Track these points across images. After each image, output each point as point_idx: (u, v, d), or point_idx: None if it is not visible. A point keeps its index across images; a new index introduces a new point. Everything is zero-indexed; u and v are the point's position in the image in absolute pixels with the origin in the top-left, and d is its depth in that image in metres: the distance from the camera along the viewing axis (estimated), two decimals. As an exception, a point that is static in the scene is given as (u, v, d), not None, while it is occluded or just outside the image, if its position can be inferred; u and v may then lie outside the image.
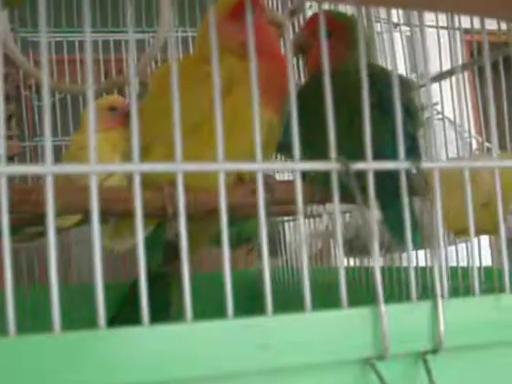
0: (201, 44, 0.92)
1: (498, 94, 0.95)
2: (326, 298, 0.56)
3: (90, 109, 0.47)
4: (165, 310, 1.04)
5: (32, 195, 0.78)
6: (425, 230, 0.80)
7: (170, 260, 1.01)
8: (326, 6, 1.06)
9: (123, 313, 1.08)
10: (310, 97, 0.80)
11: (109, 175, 1.02)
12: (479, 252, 1.03)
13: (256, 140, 0.50)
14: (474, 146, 1.39)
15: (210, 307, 1.07)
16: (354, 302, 0.51)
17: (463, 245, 1.05)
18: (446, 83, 1.07)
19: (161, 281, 1.04)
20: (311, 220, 1.42)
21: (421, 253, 1.05)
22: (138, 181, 0.46)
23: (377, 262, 0.52)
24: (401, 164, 0.54)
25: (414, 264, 1.08)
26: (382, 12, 1.48)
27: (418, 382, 0.52)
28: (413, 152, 0.85)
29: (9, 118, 1.49)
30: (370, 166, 0.52)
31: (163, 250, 1.02)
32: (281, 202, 0.84)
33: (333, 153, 0.51)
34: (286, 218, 1.50)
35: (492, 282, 0.93)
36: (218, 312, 0.48)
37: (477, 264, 1.02)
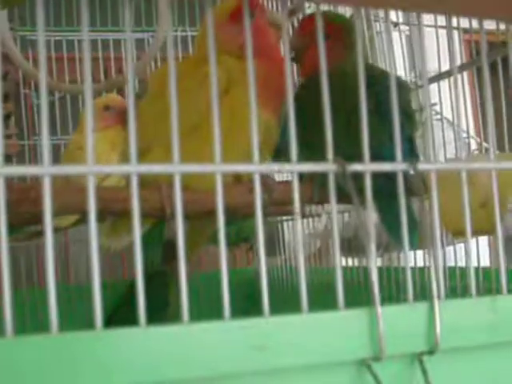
0: (200, 45, 0.93)
1: (497, 94, 0.95)
2: (324, 297, 0.56)
3: (87, 109, 0.47)
4: (163, 308, 1.04)
5: (31, 193, 0.78)
6: (422, 230, 0.80)
7: (168, 259, 1.02)
8: (324, 7, 1.06)
9: (120, 312, 1.08)
10: (307, 98, 0.80)
11: (107, 175, 1.02)
12: (477, 252, 1.03)
13: (253, 140, 0.50)
14: (474, 146, 1.39)
15: (208, 305, 1.07)
16: (352, 301, 0.51)
17: (461, 245, 1.05)
18: (444, 83, 1.07)
19: (159, 279, 1.04)
20: (310, 219, 1.42)
21: (419, 253, 1.05)
22: (136, 182, 0.47)
23: (373, 263, 0.52)
24: (398, 166, 0.54)
25: (411, 264, 1.08)
26: (381, 11, 1.48)
27: (414, 383, 0.52)
28: (410, 153, 0.85)
29: (8, 117, 1.49)
30: (367, 167, 0.52)
31: (162, 249, 1.02)
32: (279, 203, 0.84)
33: (330, 154, 0.51)
34: (284, 218, 1.50)
35: (490, 282, 0.93)
36: (217, 310, 0.48)
37: (475, 264, 1.02)
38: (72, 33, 1.73)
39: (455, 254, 1.10)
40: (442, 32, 1.02)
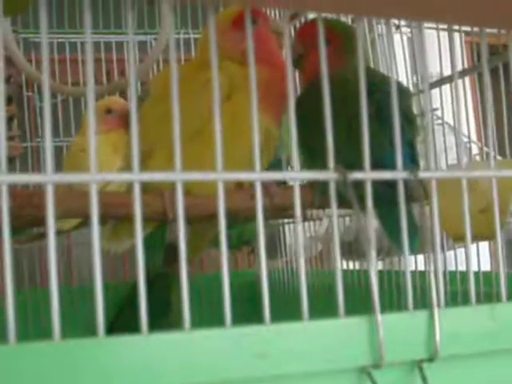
0: (202, 50, 0.93)
1: (498, 98, 0.95)
2: (325, 300, 0.56)
3: (90, 113, 0.48)
4: (165, 311, 1.05)
5: (33, 199, 0.79)
6: (423, 235, 0.81)
7: (170, 262, 1.02)
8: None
9: (123, 315, 1.08)
10: (308, 104, 0.81)
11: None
12: (478, 257, 1.03)
13: (254, 149, 0.50)
14: (476, 150, 1.39)
15: (209, 308, 1.08)
16: (353, 305, 0.51)
17: (462, 249, 1.06)
18: (446, 88, 1.07)
19: (161, 282, 1.04)
20: (311, 223, 1.42)
21: (420, 257, 1.05)
22: (138, 190, 0.47)
23: (374, 270, 0.52)
24: (398, 174, 0.54)
25: (412, 268, 1.09)
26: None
27: (414, 390, 0.52)
28: (411, 159, 0.86)
29: (11, 119, 1.49)
30: (368, 175, 0.53)
31: (164, 252, 1.03)
32: (280, 207, 0.84)
33: (331, 163, 0.52)
34: (286, 220, 1.51)
35: (490, 286, 0.93)
36: (218, 313, 0.48)
37: (475, 269, 1.02)
38: (75, 35, 1.73)
39: (456, 259, 1.11)
40: (444, 33, 1.03)
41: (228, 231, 1.20)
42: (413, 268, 1.11)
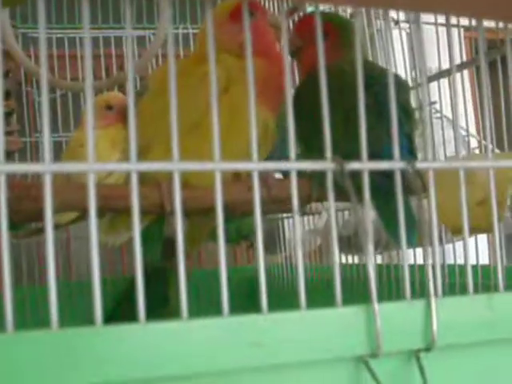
0: (201, 43, 0.93)
1: (496, 92, 0.95)
2: (324, 294, 0.56)
3: (88, 107, 0.48)
4: (163, 304, 1.05)
5: (31, 190, 0.79)
6: (421, 228, 0.81)
7: (167, 255, 1.02)
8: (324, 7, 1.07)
9: (121, 309, 1.09)
10: (305, 97, 0.81)
11: (109, 173, 1.03)
12: (476, 250, 1.04)
13: (252, 139, 0.50)
14: (475, 144, 1.39)
15: (208, 303, 1.08)
16: (351, 299, 0.51)
17: (461, 242, 1.06)
18: (445, 82, 1.07)
19: (159, 276, 1.04)
20: (310, 217, 1.43)
21: (419, 250, 1.05)
22: (136, 179, 0.47)
23: (371, 261, 0.52)
24: (395, 164, 0.54)
25: (410, 262, 1.09)
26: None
27: (411, 380, 0.53)
28: (409, 152, 0.86)
29: (9, 114, 1.49)
30: (365, 166, 0.53)
31: (162, 245, 1.03)
32: (278, 200, 0.84)
33: (328, 152, 0.52)
34: (285, 215, 1.51)
35: (488, 280, 0.94)
36: (216, 307, 0.48)
37: (474, 262, 1.02)
38: (74, 30, 1.73)
39: (454, 252, 1.11)
40: (443, 29, 1.03)
41: (226, 225, 1.20)
42: (412, 261, 1.11)
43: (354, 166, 0.52)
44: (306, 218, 1.45)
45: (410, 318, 0.52)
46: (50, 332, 0.43)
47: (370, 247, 0.52)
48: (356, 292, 0.71)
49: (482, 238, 1.04)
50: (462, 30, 1.37)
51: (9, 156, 1.50)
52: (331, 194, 0.51)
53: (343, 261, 1.34)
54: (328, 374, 0.51)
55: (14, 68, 1.48)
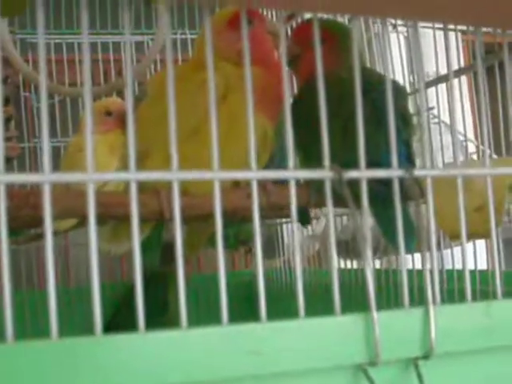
0: (199, 50, 0.93)
1: (494, 97, 0.95)
2: (323, 299, 0.56)
3: (87, 113, 0.48)
4: (162, 310, 1.05)
5: (30, 199, 0.79)
6: (419, 234, 0.81)
7: (167, 261, 1.02)
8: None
9: (120, 315, 1.09)
10: (303, 105, 0.81)
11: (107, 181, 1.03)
12: (474, 255, 1.04)
13: (250, 148, 0.51)
14: (474, 149, 1.40)
15: (207, 307, 1.08)
16: (350, 304, 0.52)
17: (459, 248, 1.06)
18: (442, 87, 1.07)
19: (158, 281, 1.04)
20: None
21: (418, 256, 1.05)
22: (135, 189, 0.47)
23: (370, 269, 0.52)
24: (393, 172, 0.54)
25: (409, 267, 1.09)
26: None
27: (410, 387, 0.53)
28: (407, 159, 0.86)
29: (8, 120, 1.49)
30: (363, 174, 0.53)
31: (161, 251, 1.03)
32: (277, 206, 0.84)
33: (326, 161, 0.52)
34: (284, 220, 1.51)
35: (487, 285, 0.94)
36: (215, 312, 0.48)
37: (472, 267, 1.03)
38: (72, 35, 1.74)
39: (452, 258, 1.11)
40: (441, 33, 1.03)
41: (225, 231, 1.20)
42: (410, 267, 1.11)
43: (352, 174, 0.52)
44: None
45: (408, 325, 0.52)
46: (50, 342, 0.44)
47: (369, 255, 0.53)
48: (354, 297, 0.71)
49: (481, 243, 1.04)
50: (459, 34, 1.37)
51: (7, 162, 1.50)
52: (330, 203, 0.52)
53: (342, 265, 1.34)
54: (327, 382, 0.51)
55: (13, 74, 1.48)
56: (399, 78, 1.13)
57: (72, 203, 0.77)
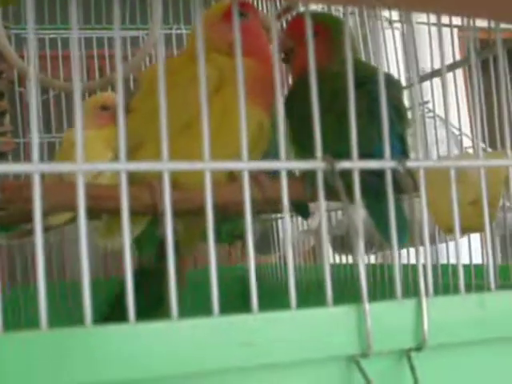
0: (192, 43, 0.93)
1: (489, 92, 0.95)
2: (317, 294, 0.56)
3: (77, 106, 0.47)
4: (158, 304, 1.05)
5: (23, 191, 0.78)
6: (412, 228, 0.81)
7: (163, 256, 1.02)
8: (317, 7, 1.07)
9: (116, 309, 1.08)
10: (298, 98, 0.81)
11: (100, 173, 1.03)
12: (469, 249, 1.04)
13: (243, 139, 0.50)
14: (469, 143, 1.39)
15: (202, 302, 1.07)
16: (344, 298, 0.51)
17: (454, 242, 1.06)
18: (438, 81, 1.07)
19: (154, 277, 1.04)
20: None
21: (413, 250, 1.05)
22: (125, 179, 0.47)
23: (361, 260, 0.52)
24: (386, 163, 0.54)
25: (405, 262, 1.09)
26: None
27: (402, 380, 0.52)
28: (402, 153, 0.86)
29: (2, 114, 1.49)
30: (355, 165, 0.53)
31: (158, 246, 1.03)
32: (272, 200, 0.84)
33: (318, 152, 0.52)
34: (279, 215, 1.51)
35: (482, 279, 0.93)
36: (211, 308, 0.48)
37: (467, 262, 1.03)
38: (67, 31, 1.73)
39: (447, 252, 1.11)
40: (436, 28, 1.03)
41: (221, 226, 1.20)
42: (405, 262, 1.11)
43: (344, 165, 0.52)
44: (299, 219, 1.45)
45: (401, 317, 0.52)
46: (40, 333, 0.43)
47: (361, 246, 0.52)
48: (349, 292, 0.71)
49: (476, 238, 1.04)
50: (455, 29, 1.37)
51: (2, 157, 1.50)
52: (322, 193, 0.51)
53: (337, 261, 1.33)
54: (319, 373, 0.51)
55: (7, 69, 1.47)
56: (394, 74, 1.12)
57: (65, 196, 0.77)
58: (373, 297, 0.52)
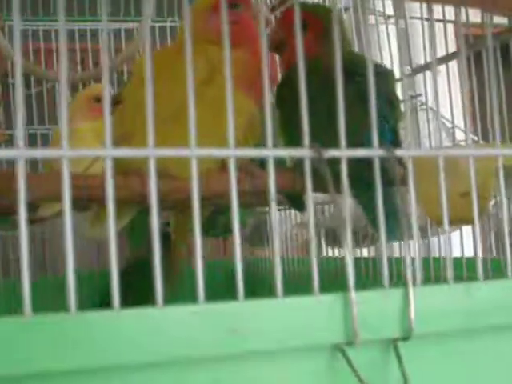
0: (183, 33, 0.93)
1: (482, 84, 0.95)
2: (308, 288, 0.56)
3: (62, 94, 0.47)
4: (151, 297, 1.04)
5: (13, 183, 0.78)
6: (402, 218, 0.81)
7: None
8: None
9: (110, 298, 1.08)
10: (288, 89, 0.81)
11: (93, 162, 1.03)
12: (461, 242, 1.03)
13: (230, 126, 0.50)
14: (462, 137, 1.39)
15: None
16: (334, 290, 0.51)
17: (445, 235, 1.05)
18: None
19: (149, 265, 1.04)
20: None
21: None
22: (110, 165, 0.47)
23: (348, 248, 0.52)
24: (374, 152, 0.54)
25: (392, 253, 1.09)
26: (372, 4, 1.48)
27: (389, 369, 0.52)
28: (393, 144, 0.86)
29: (-5, 106, 1.49)
30: (343, 153, 0.52)
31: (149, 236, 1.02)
32: (263, 192, 0.84)
33: (306, 140, 0.51)
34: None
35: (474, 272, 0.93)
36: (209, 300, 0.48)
37: (458, 254, 1.02)
38: (71, 23, 1.73)
39: (439, 245, 1.11)
40: (438, 25, 1.03)
41: (215, 219, 1.19)
42: (398, 255, 1.11)
43: (332, 153, 0.52)
44: (293, 212, 1.44)
45: (387, 306, 0.52)
46: (23, 319, 0.43)
47: (348, 234, 0.52)
48: (339, 285, 0.71)
49: (469, 232, 1.04)
50: (451, 26, 1.37)
51: (-5, 148, 1.50)
52: (309, 182, 0.51)
53: (329, 254, 1.33)
54: (304, 361, 0.51)
55: (0, 60, 1.47)
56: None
57: (57, 186, 0.76)
58: (363, 289, 0.51)
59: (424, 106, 1.13)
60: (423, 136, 1.09)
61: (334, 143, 0.53)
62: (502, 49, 0.95)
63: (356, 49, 1.19)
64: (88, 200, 0.80)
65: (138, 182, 0.79)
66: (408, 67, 1.14)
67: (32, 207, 0.93)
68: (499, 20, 0.89)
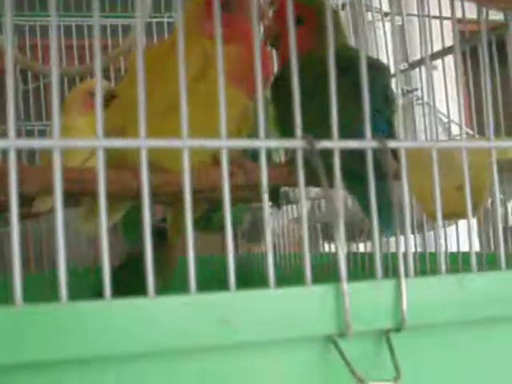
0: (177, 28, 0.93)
1: (478, 79, 0.95)
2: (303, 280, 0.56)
3: (53, 85, 0.47)
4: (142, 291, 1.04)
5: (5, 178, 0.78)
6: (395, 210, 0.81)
7: (154, 244, 1.01)
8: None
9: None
10: (283, 84, 0.80)
11: (89, 156, 1.03)
12: (457, 237, 1.03)
13: (222, 117, 0.50)
14: (458, 131, 1.39)
15: (199, 290, 1.07)
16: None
17: (442, 230, 1.06)
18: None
19: (139, 263, 1.04)
20: (294, 206, 1.42)
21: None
22: (102, 156, 0.47)
23: (341, 241, 0.52)
24: (367, 143, 0.54)
25: (388, 248, 1.09)
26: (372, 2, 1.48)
27: (382, 360, 0.52)
28: (389, 137, 0.85)
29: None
30: (336, 144, 0.52)
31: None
32: (256, 184, 0.84)
33: (298, 131, 0.51)
34: (270, 204, 1.50)
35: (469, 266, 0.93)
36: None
37: (454, 249, 1.03)
38: (81, 18, 1.73)
39: (436, 240, 1.10)
40: (435, 21, 1.03)
41: (212, 215, 1.19)
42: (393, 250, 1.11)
43: (325, 144, 0.52)
44: (289, 207, 1.44)
45: (380, 297, 0.52)
46: (15, 308, 0.43)
47: (341, 226, 0.52)
48: (334, 279, 0.71)
49: (463, 225, 1.04)
50: (446, 21, 1.37)
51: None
52: (301, 172, 0.51)
53: (326, 249, 1.33)
54: (296, 352, 0.51)
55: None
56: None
57: (51, 179, 0.76)
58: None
59: (420, 101, 1.13)
60: (419, 130, 1.09)
61: (328, 136, 0.53)
62: (498, 44, 0.95)
63: (353, 45, 1.19)
64: (82, 194, 0.80)
65: (130, 177, 0.79)
66: (404, 63, 1.15)
67: (27, 202, 0.93)
68: (495, 16, 0.89)
